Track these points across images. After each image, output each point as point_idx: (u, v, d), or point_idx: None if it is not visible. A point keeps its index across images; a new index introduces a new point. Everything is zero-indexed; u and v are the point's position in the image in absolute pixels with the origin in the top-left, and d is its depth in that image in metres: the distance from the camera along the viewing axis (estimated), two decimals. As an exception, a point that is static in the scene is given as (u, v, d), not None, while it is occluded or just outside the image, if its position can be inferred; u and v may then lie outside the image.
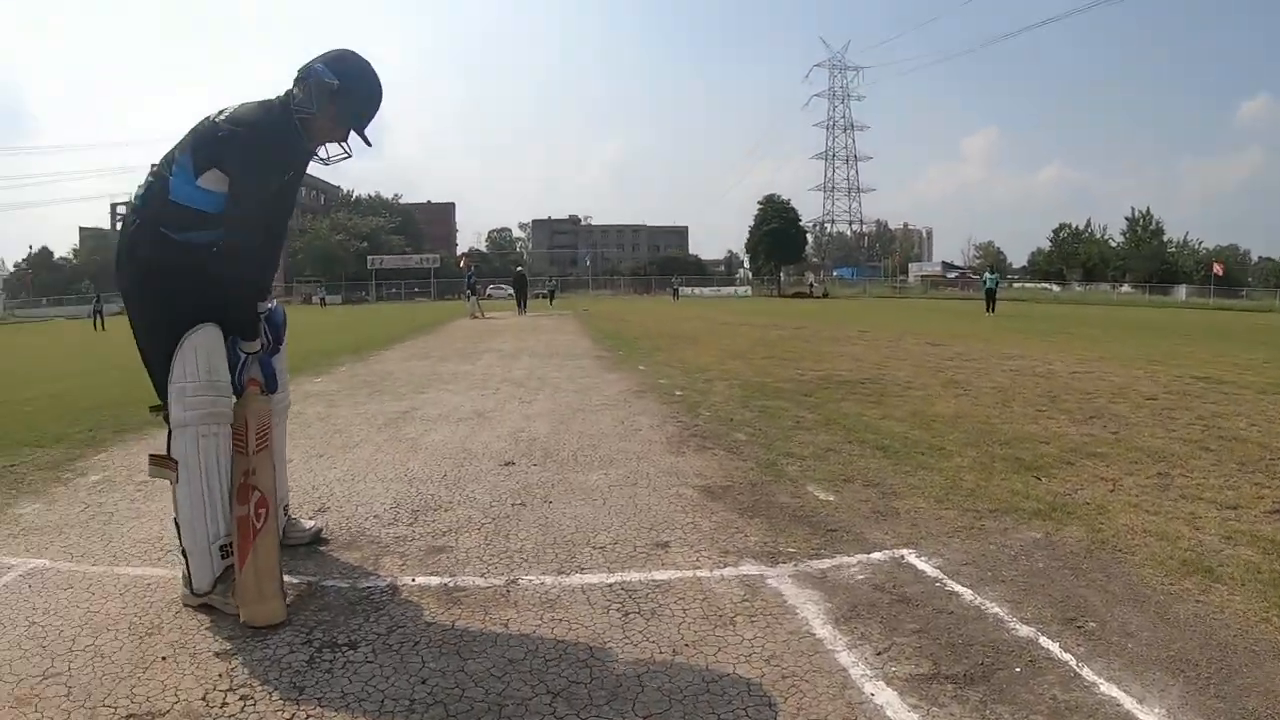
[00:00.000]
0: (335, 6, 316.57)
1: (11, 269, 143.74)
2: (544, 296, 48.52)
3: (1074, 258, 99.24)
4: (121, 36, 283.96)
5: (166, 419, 3.10)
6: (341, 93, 3.22)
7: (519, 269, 46.70)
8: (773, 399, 7.67)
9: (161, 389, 3.14)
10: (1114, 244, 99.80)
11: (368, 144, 3.41)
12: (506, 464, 5.30)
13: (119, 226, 3.43)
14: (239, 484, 3.14)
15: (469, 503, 4.45)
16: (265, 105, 3.24)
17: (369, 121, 3.36)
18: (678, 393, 8.25)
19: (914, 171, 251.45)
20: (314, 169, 3.59)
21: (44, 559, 3.74)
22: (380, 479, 5.04)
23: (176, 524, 3.08)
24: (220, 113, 3.19)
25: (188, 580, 3.05)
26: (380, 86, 3.36)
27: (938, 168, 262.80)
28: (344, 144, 3.37)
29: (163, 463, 3.05)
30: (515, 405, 7.73)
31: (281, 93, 3.29)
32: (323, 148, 3.36)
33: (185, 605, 3.06)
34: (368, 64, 3.34)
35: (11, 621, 3.00)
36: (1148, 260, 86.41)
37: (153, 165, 3.24)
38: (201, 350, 3.07)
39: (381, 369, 11.52)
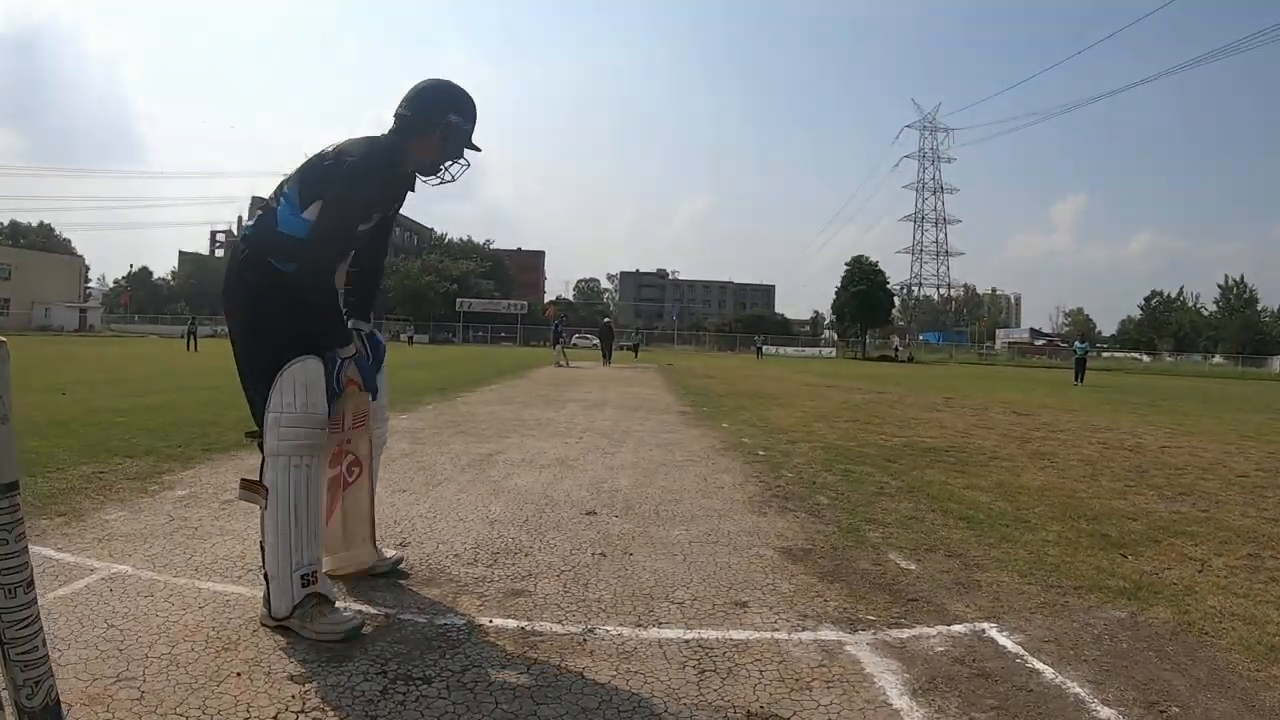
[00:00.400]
0: (434, 51, 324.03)
1: (112, 285, 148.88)
2: (629, 349, 48.25)
3: (1165, 327, 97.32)
4: (233, 68, 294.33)
5: (261, 447, 3.22)
6: (453, 125, 3.48)
7: (605, 320, 46.92)
8: (856, 464, 7.62)
9: (260, 416, 3.27)
10: (1206, 313, 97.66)
11: (478, 149, 3.62)
12: (588, 513, 5.35)
13: (228, 254, 3.56)
14: (334, 451, 3.36)
15: (549, 549, 4.49)
16: (372, 140, 3.44)
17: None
18: (760, 452, 8.23)
19: (1003, 236, 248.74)
20: (412, 211, 3.80)
21: (126, 565, 3.87)
22: (462, 519, 5.13)
23: (262, 547, 3.18)
24: (331, 146, 3.37)
25: (267, 602, 3.16)
26: (474, 102, 3.58)
27: (1027, 233, 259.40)
28: (460, 160, 3.59)
29: (253, 488, 3.18)
30: (598, 455, 7.78)
31: (388, 129, 3.48)
32: (443, 169, 3.57)
33: (263, 625, 3.16)
34: (459, 88, 3.58)
35: (90, 622, 3.12)
36: (1241, 330, 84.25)
37: (265, 198, 3.46)
38: (300, 382, 3.21)
39: (466, 410, 11.70)
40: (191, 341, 39.34)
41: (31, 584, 1.93)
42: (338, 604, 3.22)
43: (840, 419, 12.11)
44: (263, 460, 3.21)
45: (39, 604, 1.95)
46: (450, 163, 3.57)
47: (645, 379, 23.68)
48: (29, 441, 7.17)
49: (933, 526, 5.19)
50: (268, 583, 3.15)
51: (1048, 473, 7.48)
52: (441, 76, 3.60)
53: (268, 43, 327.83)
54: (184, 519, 4.82)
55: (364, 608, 3.41)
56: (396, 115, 3.47)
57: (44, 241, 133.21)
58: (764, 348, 69.55)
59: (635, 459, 7.64)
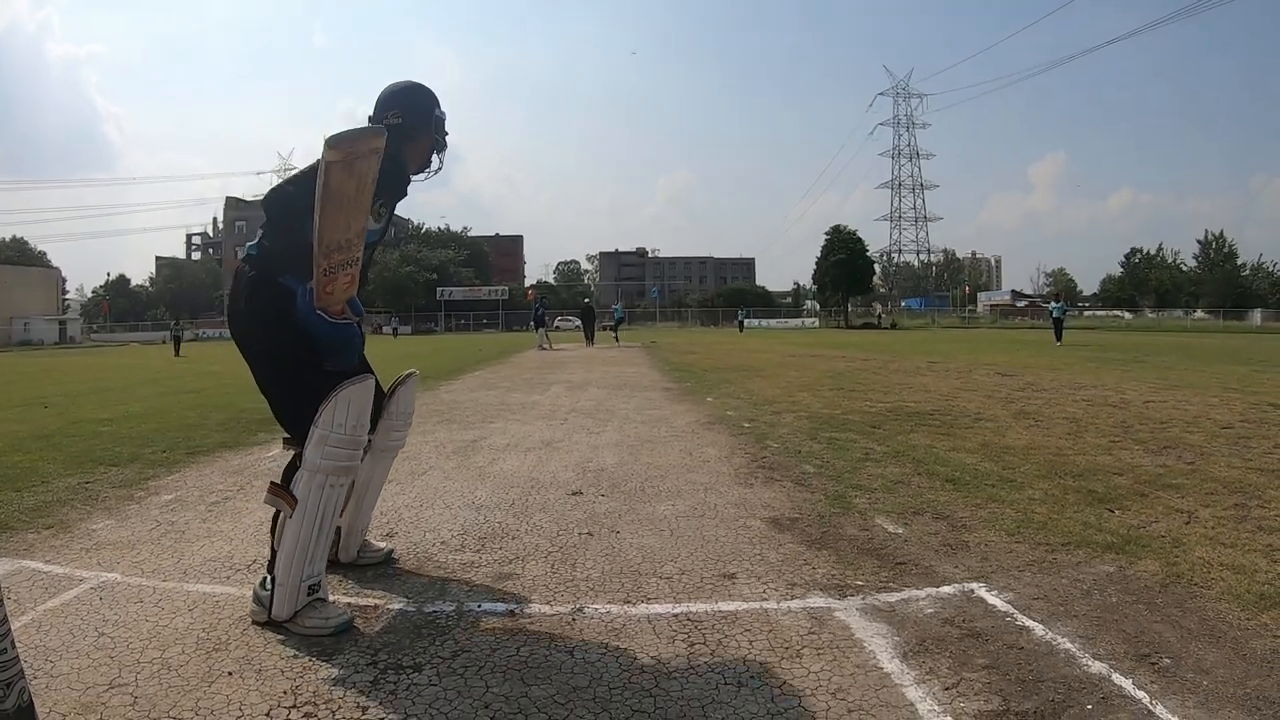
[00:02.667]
0: (404, 40, 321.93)
1: (90, 295, 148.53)
2: (610, 329, 41.75)
3: (1146, 284, 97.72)
4: (199, 71, 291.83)
5: (298, 457, 3.23)
6: (439, 119, 3.67)
7: (586, 301, 46.52)
8: (841, 431, 7.62)
9: (293, 425, 3.31)
10: (1186, 269, 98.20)
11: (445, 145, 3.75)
12: (574, 494, 5.36)
13: (233, 279, 3.45)
14: None
15: (536, 531, 4.49)
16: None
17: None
18: (746, 424, 8.24)
19: (981, 199, 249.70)
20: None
21: (115, 573, 3.86)
22: (448, 506, 5.12)
23: (274, 551, 3.16)
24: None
25: (265, 604, 3.13)
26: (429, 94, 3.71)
27: (1005, 195, 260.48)
28: (438, 156, 3.73)
29: (282, 495, 3.15)
30: (583, 436, 7.78)
31: (386, 120, 3.51)
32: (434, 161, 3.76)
33: (254, 622, 3.15)
34: (423, 84, 3.71)
35: (81, 632, 3.11)
36: (1221, 284, 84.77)
37: (242, 198, 3.42)
38: (355, 405, 3.22)
39: (450, 398, 11.68)
40: (176, 346, 39.42)
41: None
42: (328, 598, 3.20)
43: (824, 388, 12.11)
44: (293, 469, 3.23)
45: (5, 609, 1.91)
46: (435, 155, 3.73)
47: (629, 358, 23.67)
48: (12, 457, 7.29)
49: (919, 490, 5.19)
50: (273, 586, 3.12)
51: (1033, 432, 7.48)
52: (406, 78, 3.77)
53: (234, 37, 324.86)
54: (170, 523, 4.79)
55: (353, 600, 3.39)
56: (389, 125, 3.41)
57: (18, 255, 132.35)
58: (746, 321, 69.53)
59: (620, 437, 7.64)
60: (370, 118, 3.53)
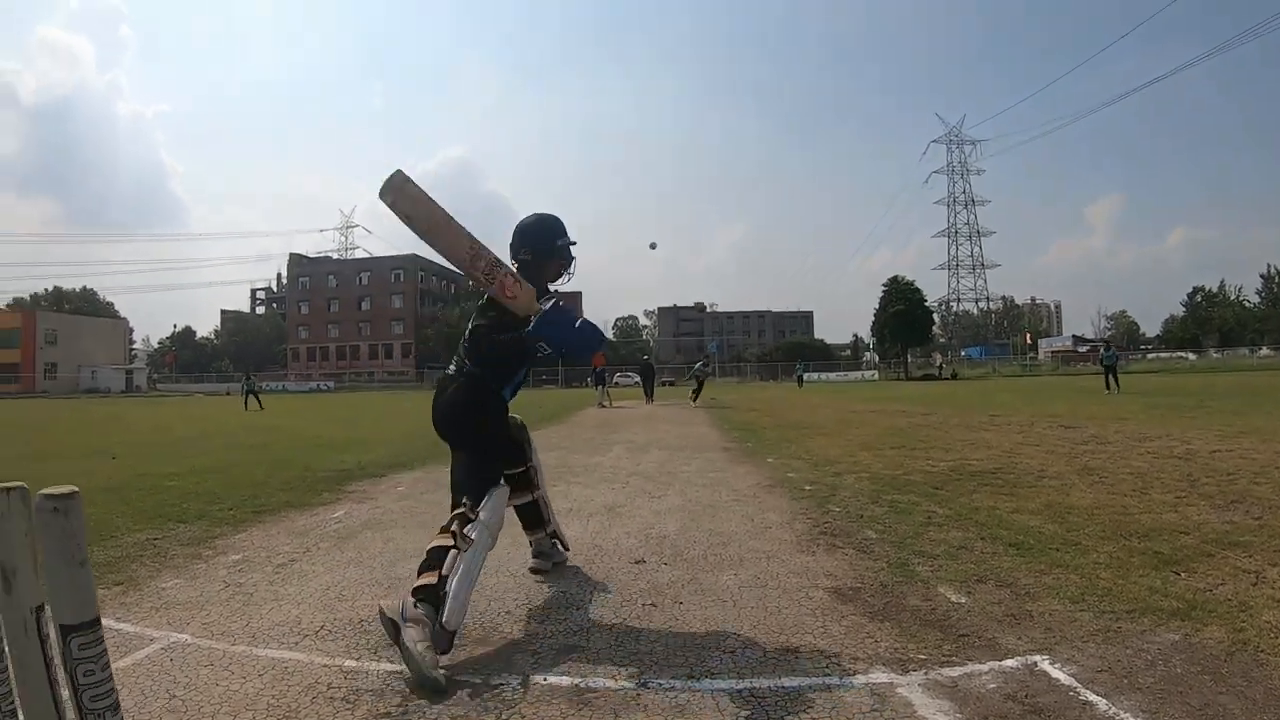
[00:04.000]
0: (461, 94, 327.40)
1: (156, 346, 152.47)
2: (694, 378, 36.71)
3: (1209, 323, 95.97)
4: (262, 131, 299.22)
5: (471, 512, 4.03)
6: (561, 247, 4.50)
7: (645, 359, 46.66)
8: (903, 493, 7.61)
9: (474, 493, 4.13)
10: (1250, 305, 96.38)
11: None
12: (637, 562, 5.39)
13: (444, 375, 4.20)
14: None
15: (600, 601, 4.55)
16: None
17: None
18: (807, 487, 8.24)
19: (1039, 243, 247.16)
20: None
21: (185, 634, 4.01)
22: (513, 574, 5.15)
23: (448, 574, 3.78)
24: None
25: (431, 617, 3.62)
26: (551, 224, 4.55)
27: (1064, 239, 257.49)
28: (567, 273, 4.60)
29: (458, 536, 3.90)
30: (645, 500, 7.81)
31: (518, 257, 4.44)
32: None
33: (384, 617, 3.65)
34: (548, 215, 4.59)
35: (153, 693, 3.26)
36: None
37: (470, 325, 4.33)
38: (505, 493, 4.38)
39: (513, 463, 11.64)
40: (251, 400, 39.18)
41: (118, 707, 2.07)
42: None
43: (885, 446, 12.05)
44: (465, 521, 3.98)
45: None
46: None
47: (689, 417, 23.66)
48: (84, 509, 7.31)
49: (982, 556, 5.17)
50: (447, 600, 3.69)
51: (1097, 489, 7.42)
52: (532, 214, 4.60)
53: (297, 98, 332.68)
54: (239, 584, 4.96)
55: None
56: (520, 261, 4.41)
57: (87, 306, 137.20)
58: (805, 375, 69.24)
59: (682, 501, 7.67)
60: (510, 247, 4.45)
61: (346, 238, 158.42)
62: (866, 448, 11.96)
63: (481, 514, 4.06)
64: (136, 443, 16.49)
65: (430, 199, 4.11)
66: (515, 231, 4.47)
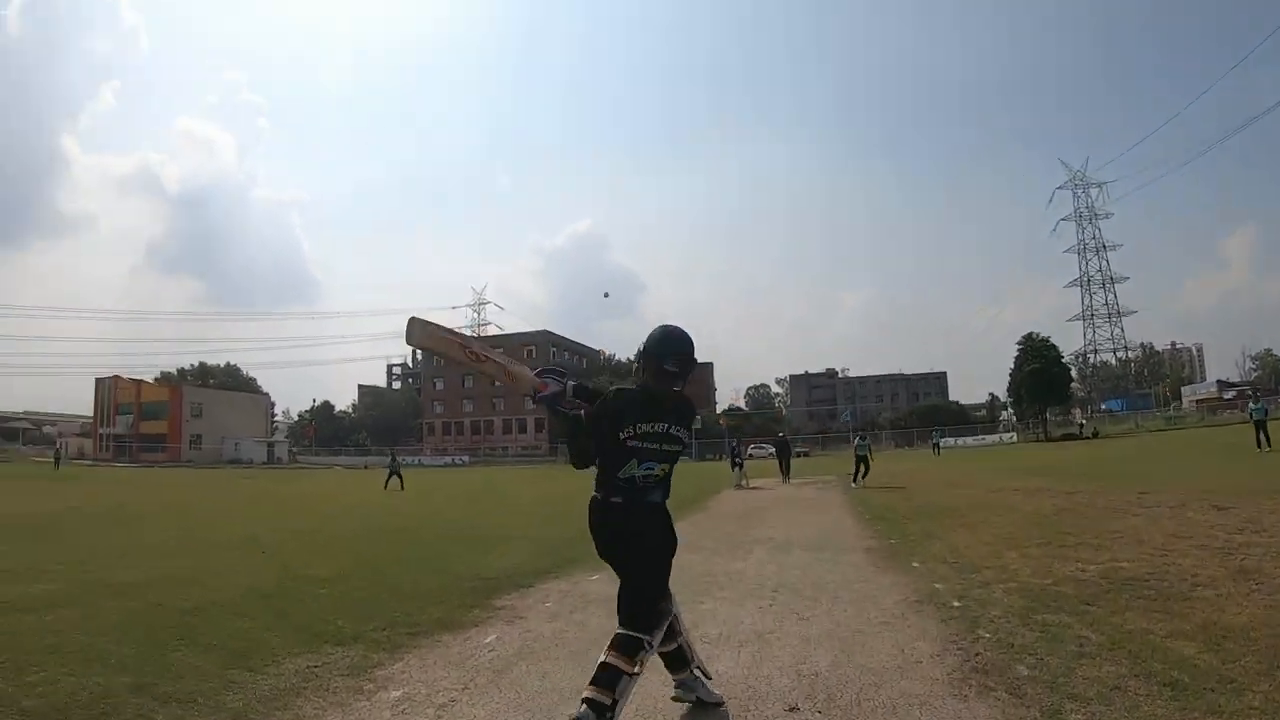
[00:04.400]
0: (577, 174, 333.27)
1: (295, 418, 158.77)
2: (860, 460, 32.44)
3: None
4: (391, 214, 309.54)
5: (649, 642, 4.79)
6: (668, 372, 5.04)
7: (780, 435, 46.41)
8: (1054, 611, 7.57)
9: (651, 604, 4.93)
10: None
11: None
12: (791, 709, 5.40)
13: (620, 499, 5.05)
14: None
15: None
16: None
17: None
18: (955, 603, 8.29)
19: (1175, 285, 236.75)
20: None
21: None
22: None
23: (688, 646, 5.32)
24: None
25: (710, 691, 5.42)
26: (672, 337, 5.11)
27: (1199, 277, 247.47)
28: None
29: (640, 664, 4.70)
30: (793, 624, 7.91)
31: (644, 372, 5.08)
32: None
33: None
34: (672, 328, 5.16)
35: None
36: None
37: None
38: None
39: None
40: (393, 480, 38.19)
41: None
42: None
43: (1031, 542, 11.94)
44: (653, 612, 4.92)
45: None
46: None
47: (826, 502, 23.74)
48: (238, 623, 7.97)
49: (1136, 699, 5.15)
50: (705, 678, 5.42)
51: (1254, 600, 7.31)
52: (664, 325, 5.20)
53: (423, 183, 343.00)
54: (404, 730, 5.32)
55: None
56: (639, 359, 5.15)
57: (231, 381, 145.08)
58: (941, 442, 68.05)
59: (830, 625, 7.75)
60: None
61: (479, 314, 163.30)
62: (1012, 544, 11.91)
63: (654, 644, 4.80)
64: (282, 530, 17.40)
65: (440, 327, 5.40)
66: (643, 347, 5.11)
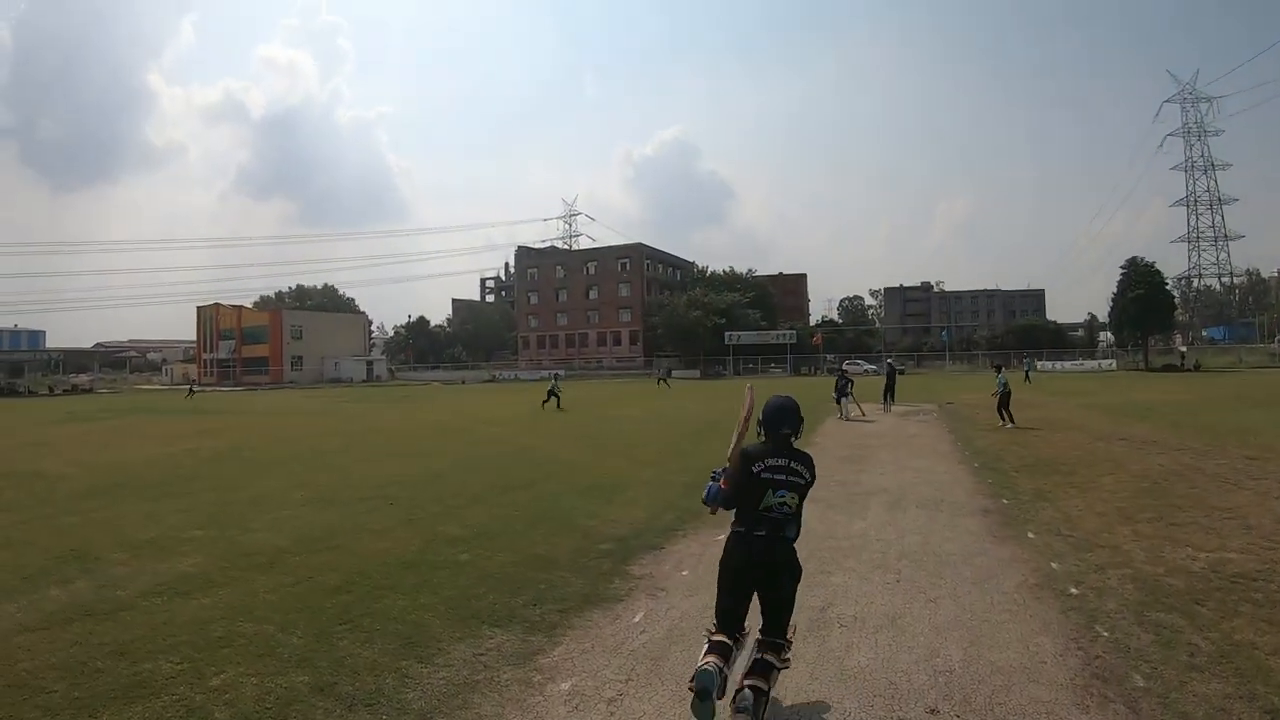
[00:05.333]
0: (667, 82, 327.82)
1: (391, 334, 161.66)
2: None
3: None
4: (479, 125, 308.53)
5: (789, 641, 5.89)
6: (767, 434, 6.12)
7: (889, 360, 45.94)
8: (1166, 610, 7.89)
9: (785, 622, 5.90)
10: None
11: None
12: (932, 711, 5.82)
13: (763, 532, 5.92)
14: None
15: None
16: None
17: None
18: (1073, 590, 8.68)
19: None
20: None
21: None
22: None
23: (769, 693, 5.67)
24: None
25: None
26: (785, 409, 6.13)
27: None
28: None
29: (786, 660, 5.92)
30: (922, 605, 8.27)
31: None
32: None
33: None
34: (783, 400, 6.16)
35: None
36: None
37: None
38: None
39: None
40: (552, 400, 41.05)
41: None
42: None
43: (1141, 516, 12.26)
44: (786, 643, 5.88)
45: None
46: None
47: (931, 440, 24.22)
48: (391, 600, 8.36)
49: (1240, 727, 5.60)
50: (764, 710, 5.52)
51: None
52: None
53: (509, 92, 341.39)
54: (583, 729, 5.78)
55: None
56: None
57: (329, 301, 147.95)
58: (1033, 368, 66.78)
59: (957, 611, 8.05)
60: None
61: (570, 225, 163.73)
62: (1124, 517, 12.23)
63: (792, 643, 5.95)
64: (405, 478, 17.68)
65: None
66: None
